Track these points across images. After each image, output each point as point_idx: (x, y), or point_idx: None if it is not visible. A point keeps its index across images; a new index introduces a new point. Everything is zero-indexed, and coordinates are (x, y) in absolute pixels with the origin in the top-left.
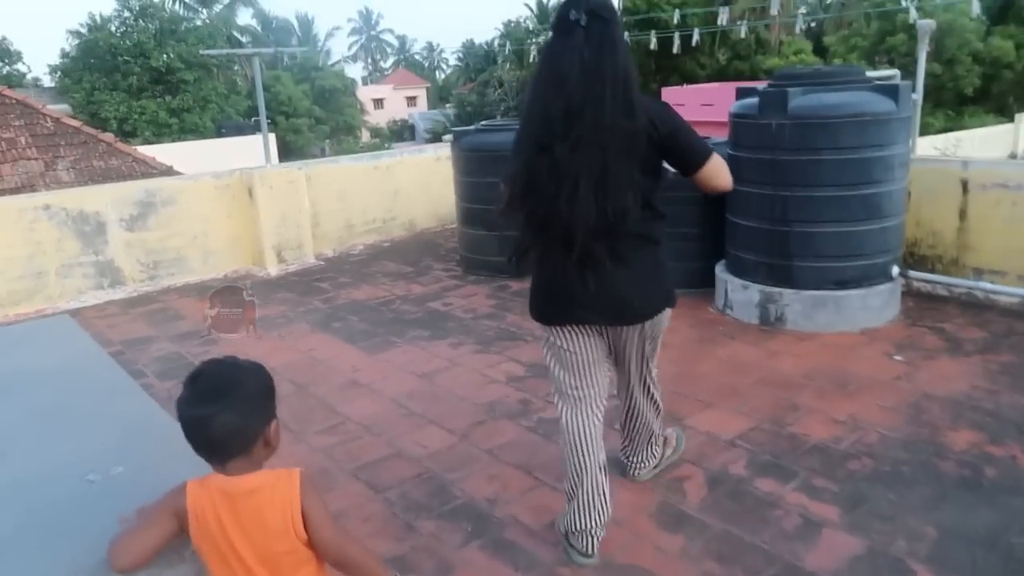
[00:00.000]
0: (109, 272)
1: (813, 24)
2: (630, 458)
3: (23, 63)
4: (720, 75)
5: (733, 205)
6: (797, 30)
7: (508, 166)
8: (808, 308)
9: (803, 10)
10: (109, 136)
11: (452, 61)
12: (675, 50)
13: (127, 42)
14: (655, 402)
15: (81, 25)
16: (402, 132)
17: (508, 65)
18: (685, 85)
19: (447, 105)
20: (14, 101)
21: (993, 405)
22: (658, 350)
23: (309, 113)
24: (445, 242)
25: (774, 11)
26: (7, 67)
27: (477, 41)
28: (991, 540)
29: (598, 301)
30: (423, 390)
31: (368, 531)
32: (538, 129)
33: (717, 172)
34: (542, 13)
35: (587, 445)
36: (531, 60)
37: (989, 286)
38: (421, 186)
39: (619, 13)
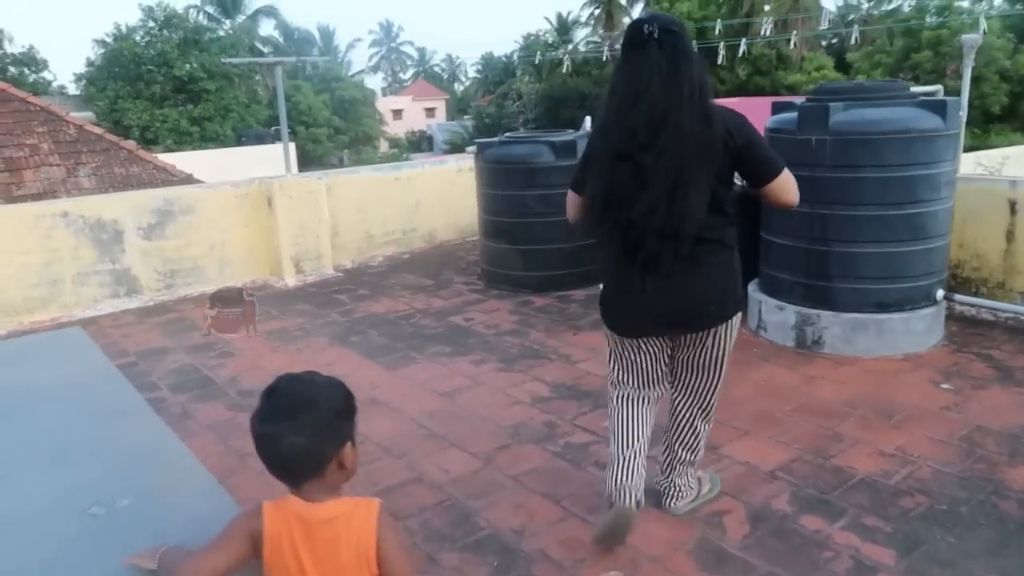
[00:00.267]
0: (126, 281)
1: (835, 40)
2: (668, 479)
3: (49, 71)
4: (740, 90)
5: (768, 222)
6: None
7: (580, 176)
8: (848, 331)
9: (825, 26)
10: (131, 144)
11: (471, 73)
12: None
13: (151, 51)
14: (707, 421)
15: (107, 35)
16: (420, 143)
17: (527, 77)
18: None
19: (465, 117)
20: (38, 108)
21: None
22: (723, 368)
23: (328, 123)
24: (466, 255)
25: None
26: (33, 75)
27: (496, 53)
28: None
29: (664, 310)
30: (444, 410)
31: None
32: (617, 139)
33: (787, 186)
34: (562, 26)
35: (634, 430)
36: (565, 69)
37: None
38: (442, 198)
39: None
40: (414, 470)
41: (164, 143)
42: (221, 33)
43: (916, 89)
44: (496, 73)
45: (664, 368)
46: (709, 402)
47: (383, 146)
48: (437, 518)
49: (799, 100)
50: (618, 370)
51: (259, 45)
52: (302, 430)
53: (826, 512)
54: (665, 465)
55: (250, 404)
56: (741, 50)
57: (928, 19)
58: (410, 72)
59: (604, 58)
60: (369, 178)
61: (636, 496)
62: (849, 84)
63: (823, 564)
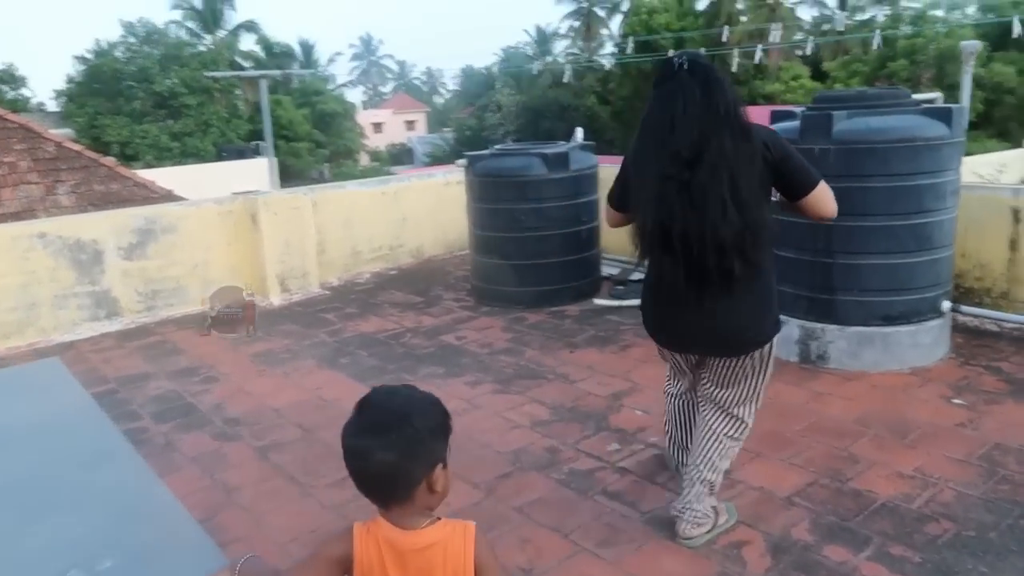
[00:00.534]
0: (105, 303)
1: (811, 50)
2: (685, 500)
3: (28, 88)
4: None
5: None
6: (808, 50)
7: (618, 193)
8: (853, 345)
9: (799, 36)
10: (110, 160)
11: (451, 86)
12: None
13: (131, 67)
14: (733, 439)
15: (87, 51)
16: (400, 156)
17: (507, 89)
18: None
19: (446, 129)
20: (16, 125)
21: None
22: (757, 387)
23: (309, 137)
24: (455, 270)
25: (774, 36)
26: (12, 92)
27: (476, 66)
28: None
29: (701, 332)
30: None
31: None
32: (660, 162)
33: (825, 198)
34: (541, 38)
35: (684, 421)
36: (567, 78)
37: None
38: (429, 212)
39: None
40: None
41: (144, 159)
42: (202, 48)
43: (917, 96)
44: (476, 85)
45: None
46: (737, 419)
47: (364, 159)
48: None
49: (799, 109)
50: (668, 369)
51: (240, 60)
52: (392, 447)
53: (849, 541)
54: (685, 482)
55: (236, 433)
56: (748, 60)
57: (903, 28)
58: (390, 85)
59: (564, 77)
60: (355, 193)
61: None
62: (851, 92)
63: None
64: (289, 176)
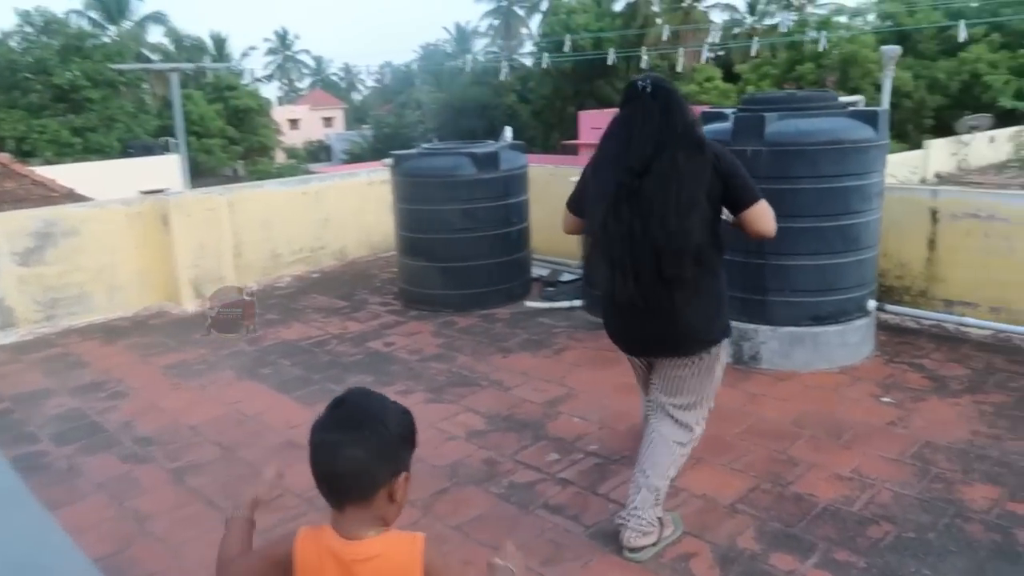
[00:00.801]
0: None
1: (722, 52)
2: (631, 507)
3: None
4: None
5: None
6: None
7: (577, 198)
8: (785, 346)
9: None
10: (5, 156)
11: (369, 82)
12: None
13: (28, 58)
14: (682, 444)
15: None
16: (318, 153)
17: (426, 87)
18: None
19: (364, 126)
20: None
21: (999, 453)
22: (706, 391)
23: (222, 133)
24: (380, 272)
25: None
26: None
27: (395, 63)
28: None
29: (650, 333)
30: None
31: None
32: (614, 171)
33: (764, 215)
34: (460, 36)
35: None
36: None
37: (971, 320)
38: (353, 212)
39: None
40: None
41: (43, 155)
42: (106, 40)
43: (843, 99)
44: (395, 82)
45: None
46: (685, 426)
47: (280, 157)
48: None
49: (729, 110)
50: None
51: (147, 52)
52: (362, 444)
53: (795, 548)
54: (632, 487)
55: (147, 453)
56: (663, 62)
57: (810, 34)
58: (307, 81)
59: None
60: (274, 192)
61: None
62: (780, 94)
63: None
64: (201, 174)
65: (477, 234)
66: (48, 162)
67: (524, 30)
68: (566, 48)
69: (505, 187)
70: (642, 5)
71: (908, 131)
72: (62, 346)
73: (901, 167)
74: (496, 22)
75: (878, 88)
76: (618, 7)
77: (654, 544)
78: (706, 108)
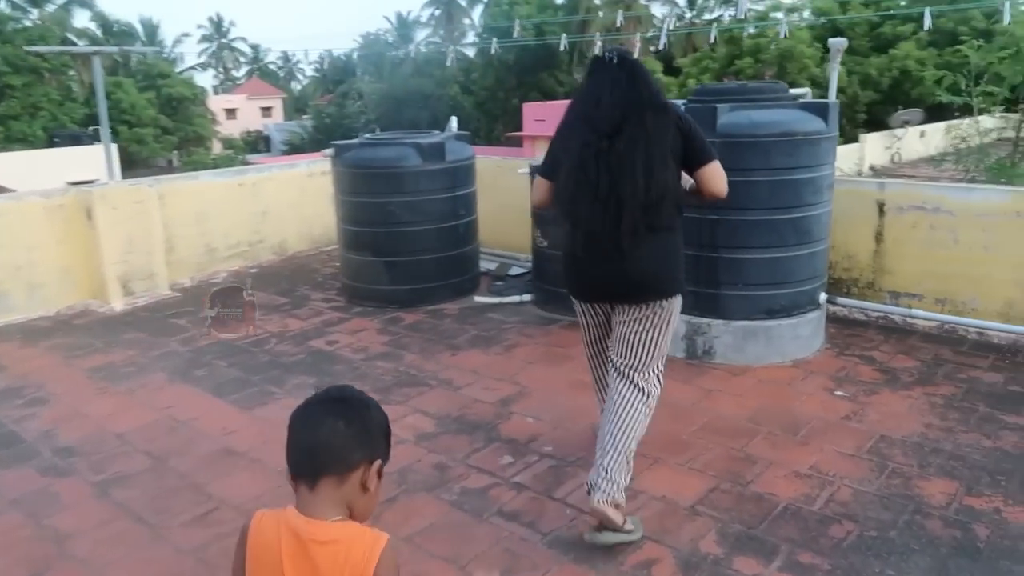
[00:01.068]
0: None
1: (664, 46)
2: (600, 467)
3: None
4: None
5: None
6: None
7: (549, 164)
8: (739, 340)
9: (651, 32)
10: None
11: (309, 72)
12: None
13: None
14: (646, 404)
15: None
16: (256, 144)
17: (367, 77)
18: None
19: (304, 116)
20: None
21: (952, 446)
22: (659, 346)
23: (155, 122)
24: (322, 267)
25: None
26: None
27: (335, 52)
28: None
29: (615, 278)
30: None
31: None
32: (583, 133)
33: (717, 174)
34: (402, 25)
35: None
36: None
37: (919, 312)
38: (292, 204)
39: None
40: None
41: None
42: (28, 23)
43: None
44: (336, 72)
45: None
46: (642, 388)
47: (216, 147)
48: None
49: (680, 102)
50: (582, 336)
51: (73, 38)
52: (346, 418)
53: (758, 551)
54: (598, 453)
55: (69, 466)
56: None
57: (750, 28)
58: (244, 70)
59: (448, 62)
60: (208, 184)
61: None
62: (732, 85)
63: None
64: (134, 165)
65: (423, 227)
66: None
67: (467, 20)
68: (515, 35)
69: (452, 179)
70: None
71: (843, 125)
72: None
73: (846, 160)
74: (438, 12)
75: (813, 82)
76: None
77: (615, 531)
78: None
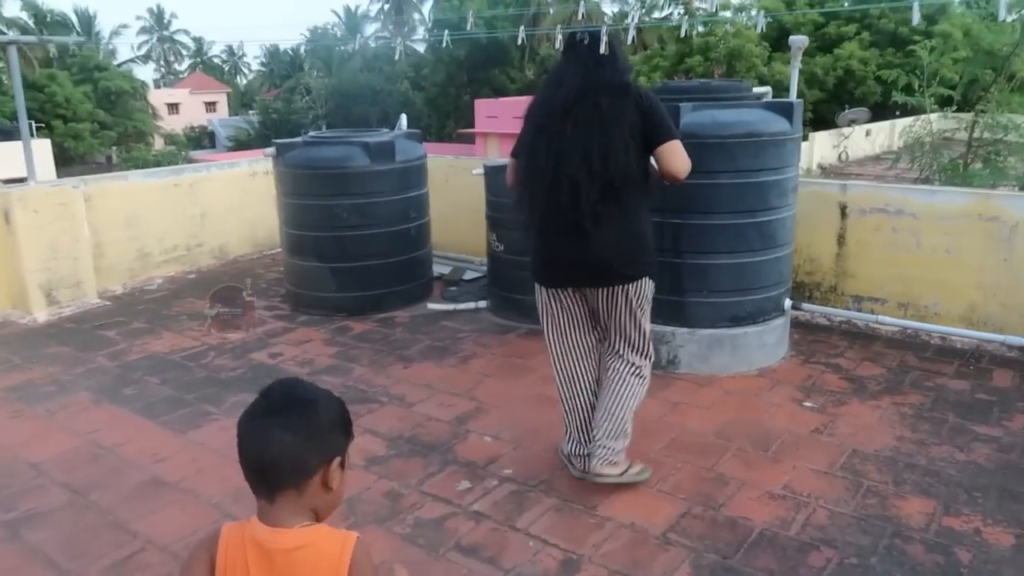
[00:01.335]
0: None
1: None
2: (596, 440)
3: None
4: (530, 89)
5: None
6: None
7: (516, 147)
8: (704, 349)
9: (605, 29)
10: None
11: (255, 66)
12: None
13: None
14: (638, 376)
15: None
16: (201, 140)
17: (315, 72)
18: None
19: (250, 112)
20: None
21: (926, 461)
22: (642, 325)
23: (92, 117)
24: (265, 272)
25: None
26: None
27: (282, 47)
28: None
29: (578, 263)
30: None
31: None
32: (539, 114)
33: (677, 152)
34: (350, 20)
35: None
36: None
37: (885, 318)
38: (233, 206)
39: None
40: None
41: None
42: None
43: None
44: (282, 67)
45: (584, 320)
46: (635, 364)
47: (158, 143)
48: None
49: None
50: (546, 326)
51: (3, 28)
52: (292, 428)
53: None
54: (594, 428)
55: None
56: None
57: (699, 28)
58: (186, 63)
59: (396, 56)
60: (140, 185)
61: (582, 457)
62: (695, 83)
63: None
64: (70, 161)
65: (372, 231)
66: None
67: (416, 15)
68: (468, 27)
69: (403, 179)
70: None
71: None
72: None
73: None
74: (387, 6)
75: (761, 81)
76: None
77: (620, 474)
78: None
